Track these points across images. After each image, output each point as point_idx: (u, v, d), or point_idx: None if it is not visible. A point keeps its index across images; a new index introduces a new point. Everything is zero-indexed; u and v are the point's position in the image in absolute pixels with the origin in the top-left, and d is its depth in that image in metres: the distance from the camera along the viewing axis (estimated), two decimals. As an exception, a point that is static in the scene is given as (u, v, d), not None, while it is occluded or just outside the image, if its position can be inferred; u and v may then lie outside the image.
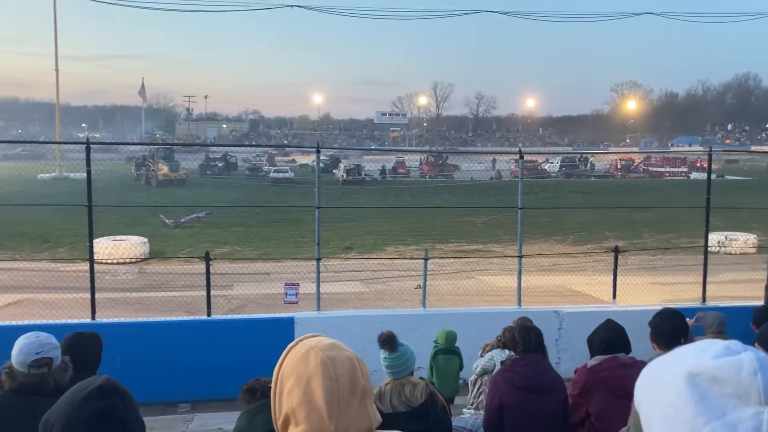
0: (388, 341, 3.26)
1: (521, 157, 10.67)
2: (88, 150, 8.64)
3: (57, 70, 50.03)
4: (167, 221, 24.55)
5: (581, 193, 35.49)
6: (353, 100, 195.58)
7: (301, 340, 1.48)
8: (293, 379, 1.41)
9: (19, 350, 2.54)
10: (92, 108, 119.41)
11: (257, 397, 2.37)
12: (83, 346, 3.45)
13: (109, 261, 15.97)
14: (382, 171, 48.08)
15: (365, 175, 43.96)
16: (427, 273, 9.86)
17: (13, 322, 9.67)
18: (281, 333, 8.71)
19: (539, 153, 64.60)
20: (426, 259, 9.72)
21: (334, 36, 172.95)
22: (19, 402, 2.45)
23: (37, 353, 2.53)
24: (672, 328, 4.03)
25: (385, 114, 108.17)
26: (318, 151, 9.51)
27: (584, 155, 56.87)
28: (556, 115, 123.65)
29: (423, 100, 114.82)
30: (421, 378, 3.47)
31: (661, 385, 0.88)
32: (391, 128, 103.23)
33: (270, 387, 2.42)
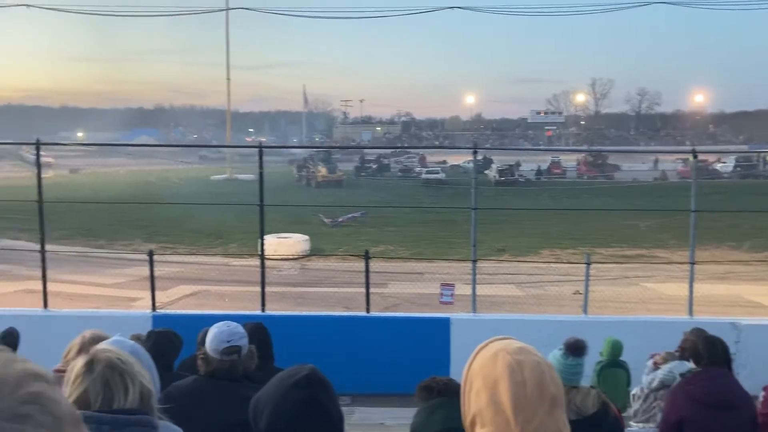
0: (579, 347, 3.16)
1: (695, 157, 9.94)
2: (260, 153, 9.20)
3: (228, 79, 54.02)
4: (326, 220, 25.66)
5: (759, 196, 32.41)
6: (506, 100, 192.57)
7: (490, 342, 1.47)
8: (480, 380, 1.40)
9: (212, 338, 2.76)
10: (258, 113, 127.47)
11: (434, 395, 2.39)
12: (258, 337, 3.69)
13: (275, 257, 16.95)
14: (538, 172, 46.82)
15: (519, 175, 43.13)
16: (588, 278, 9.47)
17: (194, 312, 10.56)
18: (437, 333, 8.77)
19: (714, 152, 59.20)
20: (588, 264, 9.33)
21: (487, 35, 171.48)
22: (214, 386, 2.67)
23: (228, 341, 2.73)
24: None
25: (540, 113, 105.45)
26: (475, 152, 9.46)
27: (763, 154, 51.73)
28: (729, 110, 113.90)
29: (580, 98, 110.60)
30: (592, 387, 3.33)
31: None
32: (546, 127, 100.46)
33: (446, 386, 2.43)
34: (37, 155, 9.63)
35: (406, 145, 76.48)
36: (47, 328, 8.33)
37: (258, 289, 9.45)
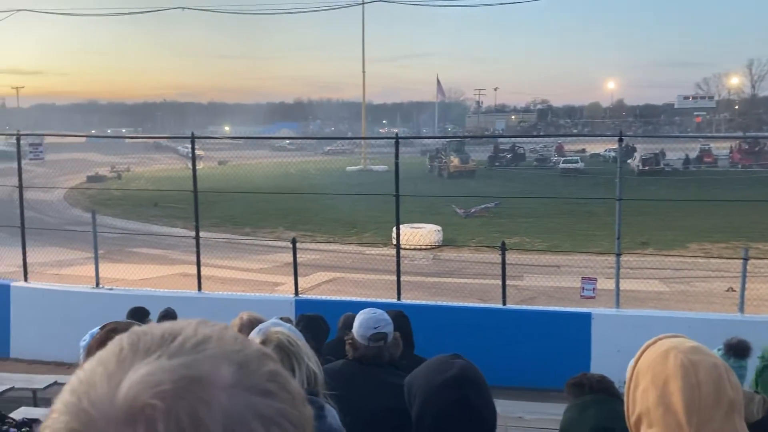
0: (743, 348, 2.95)
1: None
2: (397, 144, 9.32)
3: (364, 72, 55.15)
4: (458, 211, 25.57)
5: None
6: (649, 85, 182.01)
7: (659, 339, 1.40)
8: (649, 377, 1.34)
9: (359, 324, 2.83)
10: (391, 105, 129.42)
11: (585, 392, 2.32)
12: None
13: (409, 247, 17.14)
14: (686, 160, 43.81)
15: (664, 164, 40.63)
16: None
17: (332, 297, 10.93)
18: (577, 328, 8.49)
19: None
20: (746, 259, 8.63)
21: (630, 17, 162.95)
22: (362, 371, 2.74)
23: (374, 328, 2.79)
24: None
25: (688, 98, 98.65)
26: (620, 140, 9.02)
27: None
28: None
29: (734, 81, 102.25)
30: (756, 391, 3.08)
31: None
32: (695, 113, 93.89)
33: (599, 383, 2.35)
34: (192, 148, 10.37)
35: (542, 133, 74.29)
36: (201, 309, 8.98)
37: (391, 277, 9.61)
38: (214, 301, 9.80)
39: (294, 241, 10.16)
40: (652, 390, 1.32)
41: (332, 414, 1.95)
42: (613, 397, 2.26)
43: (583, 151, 49.99)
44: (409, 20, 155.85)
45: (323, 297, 11.19)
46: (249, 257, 18.06)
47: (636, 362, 1.40)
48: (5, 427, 3.24)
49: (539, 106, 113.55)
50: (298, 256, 10.06)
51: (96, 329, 2.70)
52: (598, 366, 6.85)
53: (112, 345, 0.53)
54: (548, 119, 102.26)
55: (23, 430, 3.37)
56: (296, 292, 9.96)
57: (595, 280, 9.16)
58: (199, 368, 0.49)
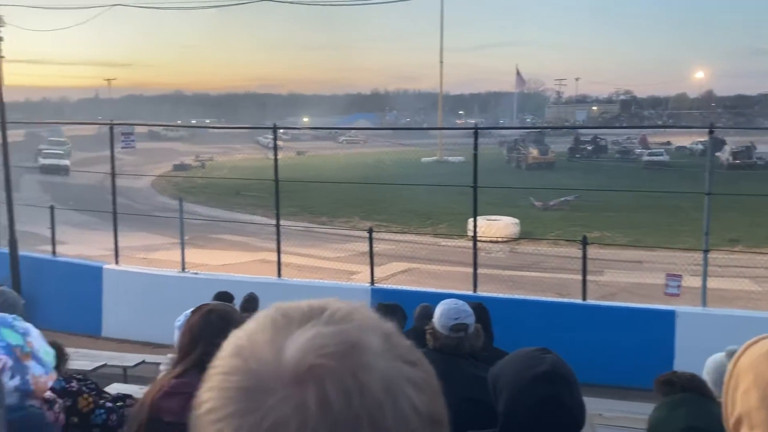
0: None
1: None
2: (476, 135, 9.25)
3: (441, 62, 54.80)
4: (536, 203, 25.11)
5: None
6: (742, 74, 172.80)
7: (762, 338, 1.34)
8: (751, 377, 1.28)
9: (440, 314, 2.84)
10: (468, 96, 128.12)
11: (676, 390, 2.24)
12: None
13: (484, 239, 16.98)
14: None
15: (757, 158, 38.57)
16: None
17: (407, 287, 10.98)
18: (660, 326, 8.23)
19: None
20: None
21: (718, 4, 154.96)
22: (442, 360, 2.74)
23: (455, 318, 2.79)
24: None
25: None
26: (711, 132, 8.63)
27: None
28: None
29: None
30: None
31: None
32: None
33: (690, 381, 2.27)
34: (275, 138, 10.62)
35: (624, 124, 71.87)
36: (281, 295, 9.16)
37: (466, 269, 9.55)
38: (293, 288, 10.03)
39: (370, 231, 10.26)
40: (755, 391, 1.26)
41: None
42: (706, 396, 2.18)
43: (669, 143, 48.07)
44: (488, 9, 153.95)
45: (399, 287, 11.26)
46: (325, 246, 18.36)
47: (736, 361, 1.34)
48: (102, 401, 3.43)
49: (622, 97, 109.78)
50: (373, 245, 10.16)
51: (190, 311, 2.82)
52: (681, 365, 6.59)
53: (262, 317, 0.57)
54: (632, 110, 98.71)
55: (118, 404, 3.56)
56: (372, 281, 10.06)
57: (680, 277, 8.82)
58: (354, 335, 0.53)
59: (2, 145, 11.39)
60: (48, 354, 2.12)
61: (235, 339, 0.56)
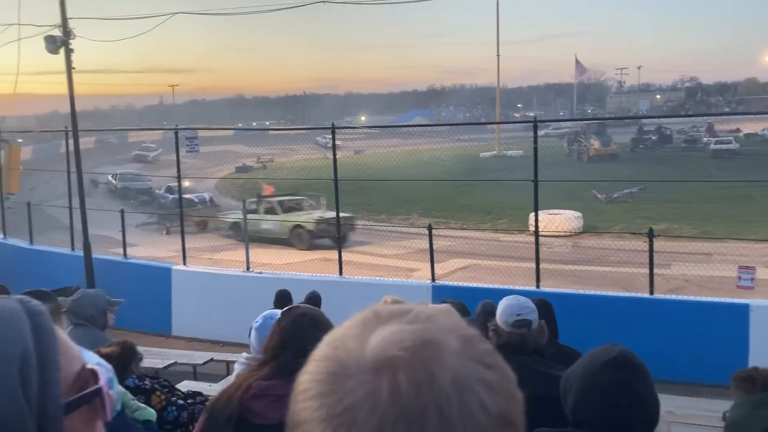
0: None
1: None
2: (535, 128, 9.12)
3: (498, 56, 54.21)
4: (599, 196, 24.56)
5: None
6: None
7: None
8: None
9: (502, 311, 2.82)
10: (527, 88, 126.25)
11: (758, 388, 2.15)
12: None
13: (546, 233, 16.71)
14: None
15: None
16: None
17: (468, 284, 10.92)
18: (732, 320, 7.93)
19: None
20: None
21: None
22: (506, 358, 2.72)
23: (518, 315, 2.77)
24: None
25: None
26: (784, 117, 8.24)
27: None
28: None
29: None
30: None
31: None
32: None
33: None
34: (333, 138, 10.73)
35: (690, 112, 69.28)
36: (343, 293, 9.29)
37: (528, 265, 9.43)
38: (354, 285, 10.12)
39: (430, 227, 10.25)
40: None
41: None
42: None
43: (738, 130, 46.12)
44: (544, 0, 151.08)
45: (460, 283, 11.21)
46: (385, 243, 18.43)
47: None
48: (174, 398, 3.55)
49: (687, 84, 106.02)
50: (432, 242, 10.14)
51: (269, 312, 2.90)
52: (756, 361, 6.35)
53: (358, 316, 0.64)
54: (697, 98, 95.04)
55: (189, 401, 3.67)
56: (433, 278, 10.05)
57: (754, 269, 8.48)
58: (433, 334, 0.58)
59: (75, 153, 11.90)
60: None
61: (332, 332, 0.63)
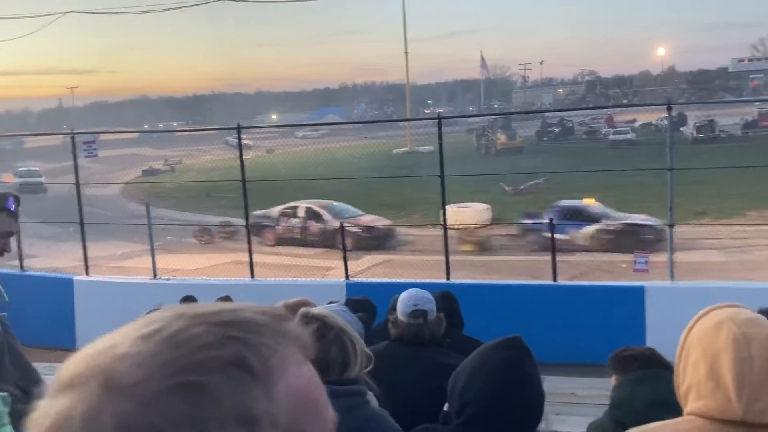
0: None
1: None
2: (439, 124, 9.27)
3: (406, 53, 54.76)
4: (507, 188, 25.32)
5: None
6: (702, 49, 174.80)
7: (714, 309, 1.36)
8: (699, 350, 1.31)
9: (400, 302, 2.88)
10: (435, 85, 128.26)
11: (635, 367, 2.27)
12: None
13: (457, 226, 17.05)
14: (745, 125, 42.10)
15: (720, 131, 39.24)
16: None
17: (383, 280, 11.00)
18: (630, 302, 8.36)
19: None
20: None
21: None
22: (406, 350, 2.77)
23: (414, 305, 2.82)
24: None
25: (743, 60, 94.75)
26: (669, 108, 8.77)
27: None
28: None
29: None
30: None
31: None
32: (751, 76, 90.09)
33: (649, 356, 2.31)
34: (239, 138, 10.54)
35: (590, 105, 72.53)
36: (255, 296, 9.16)
37: (442, 257, 9.60)
38: (266, 288, 9.98)
39: (341, 225, 10.25)
40: (702, 363, 1.29)
41: (373, 398, 1.96)
42: (668, 369, 2.21)
43: (634, 121, 48.63)
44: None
45: (374, 280, 11.27)
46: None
47: (687, 333, 1.37)
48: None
49: (587, 78, 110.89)
50: (345, 240, 10.15)
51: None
52: (653, 340, 6.72)
53: None
54: (597, 91, 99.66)
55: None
56: (347, 276, 10.06)
57: (648, 253, 8.97)
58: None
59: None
60: None
61: None
